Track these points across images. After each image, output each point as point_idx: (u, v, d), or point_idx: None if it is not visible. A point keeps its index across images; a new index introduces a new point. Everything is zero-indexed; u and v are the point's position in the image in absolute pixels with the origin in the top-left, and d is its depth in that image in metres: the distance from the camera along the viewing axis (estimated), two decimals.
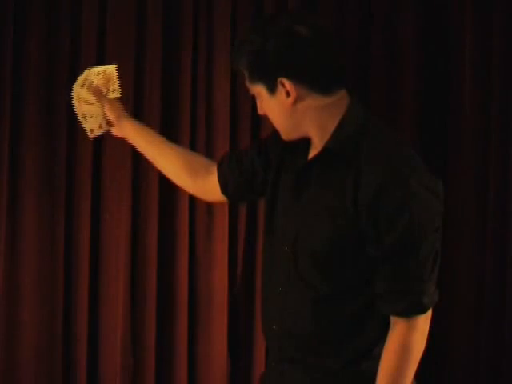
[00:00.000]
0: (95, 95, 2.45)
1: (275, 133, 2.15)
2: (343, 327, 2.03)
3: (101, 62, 3.59)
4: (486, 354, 3.72)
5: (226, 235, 3.71)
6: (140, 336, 3.68)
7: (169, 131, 3.67)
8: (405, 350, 1.97)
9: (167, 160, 2.38)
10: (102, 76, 2.45)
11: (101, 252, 3.67)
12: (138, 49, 3.64)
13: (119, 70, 3.42)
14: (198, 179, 2.36)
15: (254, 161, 2.25)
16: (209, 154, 3.70)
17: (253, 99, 3.55)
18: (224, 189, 2.32)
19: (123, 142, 3.65)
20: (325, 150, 2.01)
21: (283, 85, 1.98)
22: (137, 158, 3.65)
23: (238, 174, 2.28)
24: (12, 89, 3.56)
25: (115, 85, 2.45)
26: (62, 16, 3.58)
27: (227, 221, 3.70)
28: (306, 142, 2.09)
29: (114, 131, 2.47)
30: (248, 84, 2.06)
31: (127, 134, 2.44)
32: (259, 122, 3.68)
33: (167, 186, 3.66)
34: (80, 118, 2.48)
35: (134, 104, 3.61)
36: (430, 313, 2.01)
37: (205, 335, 3.72)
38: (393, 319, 2.00)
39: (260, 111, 2.10)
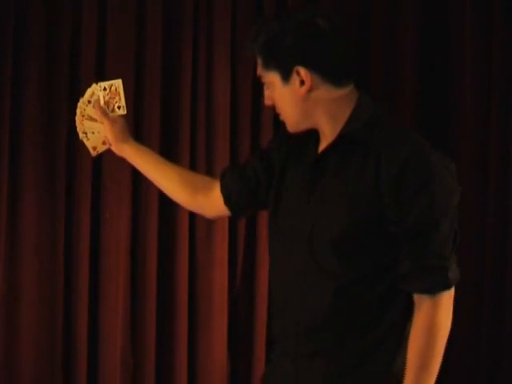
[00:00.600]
0: (100, 112, 2.40)
1: (276, 137, 2.21)
2: (365, 314, 2.07)
3: (101, 62, 3.61)
4: (486, 351, 3.72)
5: (225, 235, 3.71)
6: (140, 336, 3.68)
7: (169, 131, 3.67)
8: (433, 327, 2.01)
9: (167, 179, 2.40)
10: (109, 91, 2.40)
11: (101, 252, 3.66)
12: (138, 49, 3.64)
13: (119, 70, 3.43)
14: (198, 195, 2.38)
15: (257, 168, 2.28)
16: (209, 153, 3.70)
17: (253, 98, 3.54)
18: (227, 200, 2.33)
19: None
20: (340, 138, 2.06)
21: (298, 73, 2.03)
22: None
23: (242, 183, 2.30)
24: (12, 89, 3.56)
25: (121, 101, 2.41)
26: (61, 16, 3.58)
27: (227, 221, 3.70)
28: (313, 138, 2.14)
29: (114, 149, 2.45)
30: (261, 71, 2.09)
31: (127, 155, 2.44)
32: (259, 121, 3.68)
33: None
34: (81, 135, 2.45)
35: (133, 104, 3.61)
36: (453, 290, 2.05)
37: (205, 335, 3.72)
38: (417, 299, 2.03)
39: (267, 101, 2.13)
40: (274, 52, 2.04)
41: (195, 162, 3.69)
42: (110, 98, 2.40)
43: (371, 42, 3.73)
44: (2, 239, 3.58)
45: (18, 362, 3.62)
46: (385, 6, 3.73)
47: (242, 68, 3.68)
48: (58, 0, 3.59)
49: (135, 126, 3.63)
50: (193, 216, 3.68)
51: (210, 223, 3.68)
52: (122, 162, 3.57)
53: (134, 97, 3.62)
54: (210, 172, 3.65)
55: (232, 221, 3.70)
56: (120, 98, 2.40)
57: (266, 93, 2.12)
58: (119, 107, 2.40)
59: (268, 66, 2.06)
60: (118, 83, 2.40)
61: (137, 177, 3.65)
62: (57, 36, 3.59)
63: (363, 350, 2.08)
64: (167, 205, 3.65)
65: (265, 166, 2.26)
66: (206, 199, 2.38)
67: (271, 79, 2.08)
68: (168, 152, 3.67)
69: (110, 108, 2.40)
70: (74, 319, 3.65)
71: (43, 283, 3.62)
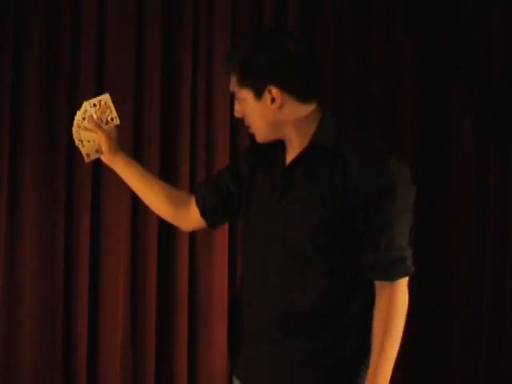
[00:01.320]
0: (95, 126, 2.56)
1: (244, 150, 2.53)
2: (335, 303, 2.33)
3: (101, 62, 3.61)
4: (486, 354, 3.72)
5: (225, 236, 3.71)
6: (140, 336, 3.69)
7: (169, 131, 3.67)
8: (393, 307, 2.29)
9: (152, 193, 2.61)
10: (99, 107, 2.56)
11: (101, 252, 3.67)
12: (138, 49, 3.63)
13: (119, 70, 3.43)
14: (178, 209, 2.61)
15: (227, 180, 2.53)
16: (209, 153, 3.70)
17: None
18: (203, 213, 2.58)
19: (123, 142, 3.66)
20: (310, 147, 2.31)
21: (270, 92, 2.27)
22: (137, 157, 3.65)
23: (215, 196, 2.55)
24: (12, 89, 3.56)
25: (112, 113, 2.58)
26: (61, 16, 3.58)
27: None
28: (280, 147, 2.38)
29: (104, 159, 2.63)
30: (235, 88, 2.33)
31: (117, 166, 2.62)
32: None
33: None
34: (77, 142, 2.61)
35: (134, 104, 3.61)
36: (408, 276, 2.34)
37: (205, 335, 3.73)
38: (379, 285, 2.31)
39: (238, 114, 2.37)
40: (249, 72, 2.28)
41: (195, 162, 3.69)
42: (101, 112, 2.57)
43: (371, 42, 3.73)
44: (2, 239, 3.58)
45: (18, 362, 3.63)
46: (384, 5, 3.72)
47: None
48: (57, 0, 3.59)
49: (135, 127, 3.63)
50: None
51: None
52: None
53: (134, 97, 3.62)
54: (209, 172, 3.65)
55: (232, 222, 3.71)
56: (111, 111, 2.57)
57: (237, 107, 2.36)
58: (112, 119, 2.58)
59: (242, 84, 2.30)
60: (106, 98, 2.57)
61: None
62: (57, 36, 3.58)
63: (332, 337, 2.34)
64: None
65: (235, 178, 2.52)
66: (185, 212, 2.61)
67: (244, 95, 2.31)
68: (168, 152, 3.67)
69: (104, 121, 2.57)
70: (73, 319, 3.65)
71: (43, 283, 3.62)
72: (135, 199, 3.66)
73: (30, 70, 3.58)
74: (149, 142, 3.65)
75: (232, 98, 3.68)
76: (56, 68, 3.59)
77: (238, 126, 3.71)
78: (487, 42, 3.67)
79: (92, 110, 2.56)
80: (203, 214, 2.58)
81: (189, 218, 2.62)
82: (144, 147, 3.66)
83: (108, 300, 3.66)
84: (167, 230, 3.67)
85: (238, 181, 2.51)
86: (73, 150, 3.62)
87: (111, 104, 2.57)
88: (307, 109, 2.31)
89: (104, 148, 2.58)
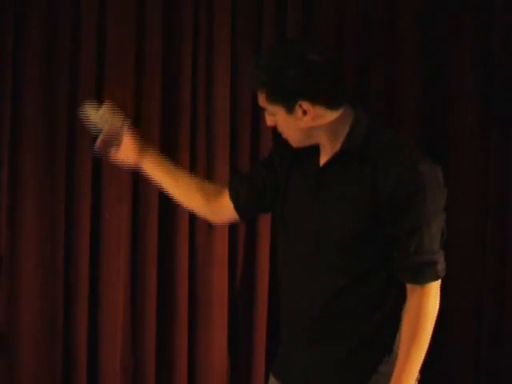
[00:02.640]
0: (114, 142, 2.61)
1: (279, 145, 2.46)
2: (365, 305, 2.34)
3: (101, 62, 3.60)
4: (486, 353, 3.72)
5: (225, 235, 3.71)
6: (140, 336, 3.68)
7: (169, 131, 3.67)
8: (422, 311, 2.29)
9: (183, 187, 2.63)
10: (106, 117, 2.58)
11: (101, 251, 3.66)
12: (138, 48, 3.63)
13: (119, 70, 3.43)
14: (210, 201, 2.61)
15: (263, 174, 2.52)
16: (209, 153, 3.70)
17: (253, 98, 3.54)
18: (237, 206, 2.57)
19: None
20: (341, 152, 2.32)
21: (301, 106, 2.26)
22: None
23: (250, 189, 2.55)
24: (12, 88, 3.55)
25: (119, 118, 2.60)
26: (61, 16, 3.58)
27: None
28: (314, 150, 2.38)
29: (131, 160, 2.66)
30: (264, 103, 2.31)
31: (146, 167, 2.66)
32: (259, 121, 3.68)
33: None
34: (95, 126, 2.59)
35: (134, 104, 3.61)
36: (440, 280, 2.33)
37: (205, 335, 3.72)
38: (410, 288, 2.31)
39: (270, 123, 2.36)
40: (277, 89, 2.25)
41: (195, 162, 3.69)
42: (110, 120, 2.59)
43: (371, 42, 3.73)
44: (2, 239, 3.58)
45: (18, 362, 3.62)
46: (385, 6, 3.73)
47: (242, 68, 3.68)
48: (57, 0, 3.58)
49: (135, 127, 3.62)
50: (193, 216, 3.68)
51: (210, 223, 3.69)
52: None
53: (134, 96, 3.62)
54: (209, 172, 3.65)
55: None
56: (117, 117, 2.60)
57: (269, 118, 2.35)
58: (121, 120, 2.60)
59: (271, 101, 2.28)
60: (105, 109, 2.58)
61: (137, 177, 3.65)
62: (57, 36, 3.58)
63: (362, 339, 2.35)
64: (167, 205, 3.65)
65: (270, 173, 2.51)
66: (218, 206, 2.61)
67: (275, 111, 2.30)
68: (168, 152, 3.66)
69: (116, 130, 2.59)
70: (73, 319, 3.65)
71: (43, 283, 3.61)
72: (135, 199, 3.67)
73: (30, 70, 3.57)
74: (148, 142, 3.64)
75: (232, 98, 3.73)
76: (56, 68, 3.59)
77: (239, 126, 3.71)
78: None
79: (105, 127, 2.57)
80: (236, 207, 2.57)
81: (221, 211, 2.62)
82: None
83: (108, 300, 3.66)
84: (167, 229, 3.68)
85: (274, 175, 2.50)
86: (73, 150, 3.62)
87: (112, 113, 2.59)
88: (338, 113, 2.31)
89: (132, 154, 2.63)
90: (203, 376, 3.74)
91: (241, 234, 3.75)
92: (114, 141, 2.60)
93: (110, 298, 3.65)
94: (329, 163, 2.34)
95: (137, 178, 3.63)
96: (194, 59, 3.67)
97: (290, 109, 2.27)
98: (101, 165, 3.63)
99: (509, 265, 3.69)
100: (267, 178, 2.51)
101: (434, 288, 2.31)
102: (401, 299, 2.33)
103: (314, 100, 2.25)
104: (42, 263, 3.61)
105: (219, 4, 3.66)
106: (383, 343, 2.36)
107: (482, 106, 3.71)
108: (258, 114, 3.66)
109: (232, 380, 3.78)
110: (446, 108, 3.74)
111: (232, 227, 3.71)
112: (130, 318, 3.67)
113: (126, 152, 2.64)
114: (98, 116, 2.60)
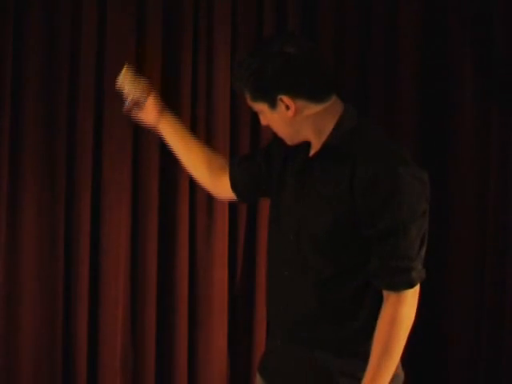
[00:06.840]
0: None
1: (277, 138, 2.44)
2: (343, 307, 2.29)
3: (101, 62, 3.60)
4: (486, 354, 3.72)
5: (225, 234, 3.71)
6: (140, 336, 3.69)
7: None
8: (396, 320, 2.22)
9: (192, 156, 2.67)
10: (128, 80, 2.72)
11: (101, 251, 3.66)
12: (138, 48, 3.63)
13: (119, 70, 3.45)
14: (213, 176, 2.65)
15: (260, 163, 2.54)
16: None
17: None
18: (234, 187, 2.61)
19: (123, 142, 3.66)
20: (324, 147, 2.29)
21: (282, 101, 2.25)
22: (137, 157, 3.66)
23: (246, 174, 2.57)
24: (12, 88, 3.55)
25: (144, 82, 2.73)
26: (61, 16, 3.58)
27: (227, 219, 3.70)
28: (306, 145, 2.36)
29: (149, 119, 2.73)
30: (250, 102, 2.33)
31: (161, 126, 2.71)
32: (259, 121, 3.67)
33: (167, 186, 3.66)
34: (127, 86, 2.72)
35: None
36: (417, 288, 2.26)
37: (205, 335, 3.73)
38: (385, 294, 2.25)
39: (263, 122, 2.39)
40: (257, 86, 2.26)
41: None
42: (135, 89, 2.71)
43: (371, 42, 3.73)
44: (2, 239, 3.58)
45: (18, 362, 3.62)
46: (385, 6, 3.73)
47: None
48: (57, 0, 3.58)
49: (135, 126, 3.63)
50: (193, 216, 3.69)
51: (210, 223, 3.69)
52: (122, 161, 3.61)
53: None
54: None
55: (232, 219, 3.71)
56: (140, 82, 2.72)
57: (261, 117, 2.38)
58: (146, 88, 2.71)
59: (255, 98, 2.30)
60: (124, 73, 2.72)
61: (137, 177, 3.65)
62: (57, 36, 3.58)
63: (341, 340, 2.30)
64: (167, 205, 3.66)
65: (267, 162, 2.52)
66: (219, 182, 2.64)
67: (260, 108, 2.32)
68: (168, 152, 3.66)
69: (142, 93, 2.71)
70: (73, 319, 3.65)
71: (43, 283, 3.62)
72: (135, 199, 3.67)
73: (30, 69, 3.57)
74: (148, 142, 3.65)
75: (232, 97, 3.73)
76: (56, 68, 3.59)
77: (239, 126, 3.71)
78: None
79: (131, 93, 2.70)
80: (233, 188, 2.61)
81: (223, 189, 2.65)
82: (144, 147, 3.66)
83: (108, 300, 3.66)
84: (167, 229, 3.68)
85: (270, 165, 2.51)
86: (73, 151, 3.62)
87: (129, 76, 2.72)
88: (324, 106, 2.28)
89: (154, 113, 2.69)
90: (203, 376, 3.74)
91: (241, 234, 3.75)
92: (140, 102, 2.70)
93: (109, 297, 3.65)
94: (313, 159, 2.32)
95: (137, 178, 3.64)
96: (194, 59, 3.67)
97: (272, 105, 2.27)
98: (101, 165, 3.63)
99: (509, 264, 3.69)
100: (264, 167, 2.52)
101: (410, 296, 2.24)
102: (378, 307, 2.26)
103: (294, 93, 2.24)
104: (42, 263, 3.61)
105: (219, 4, 3.66)
106: (358, 352, 2.29)
107: (482, 106, 3.71)
108: (257, 113, 3.66)
109: (232, 380, 3.78)
110: (445, 108, 3.74)
111: (232, 227, 3.71)
112: (130, 317, 3.67)
113: (148, 112, 2.70)
114: (128, 81, 2.71)
